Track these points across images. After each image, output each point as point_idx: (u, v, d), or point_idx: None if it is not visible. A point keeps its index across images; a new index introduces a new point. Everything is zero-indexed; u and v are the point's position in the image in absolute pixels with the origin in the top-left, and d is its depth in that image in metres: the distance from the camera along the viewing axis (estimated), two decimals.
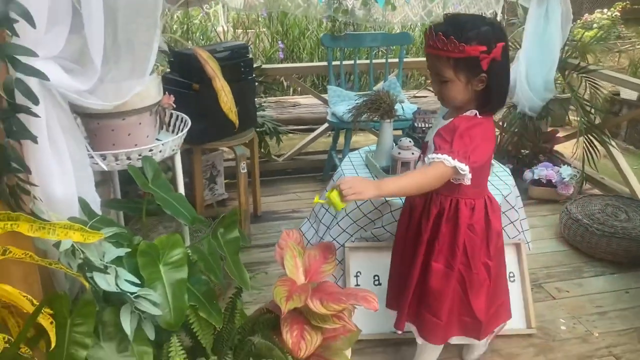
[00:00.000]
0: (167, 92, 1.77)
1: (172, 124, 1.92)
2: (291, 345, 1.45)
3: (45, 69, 1.13)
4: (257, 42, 5.46)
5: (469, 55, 1.46)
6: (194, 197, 2.98)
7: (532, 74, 3.50)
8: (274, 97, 4.50)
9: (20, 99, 1.09)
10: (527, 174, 3.45)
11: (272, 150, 3.68)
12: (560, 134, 3.76)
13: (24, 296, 1.21)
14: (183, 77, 2.68)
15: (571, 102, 3.44)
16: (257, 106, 3.42)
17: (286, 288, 1.49)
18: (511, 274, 2.37)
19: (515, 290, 2.34)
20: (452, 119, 1.61)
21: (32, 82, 1.11)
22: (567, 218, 2.93)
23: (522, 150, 3.60)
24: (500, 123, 3.83)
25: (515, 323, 2.28)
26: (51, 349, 1.24)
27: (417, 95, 4.36)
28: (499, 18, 6.88)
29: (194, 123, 2.53)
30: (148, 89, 1.57)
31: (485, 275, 1.74)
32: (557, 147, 3.83)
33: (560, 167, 3.42)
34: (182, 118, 1.90)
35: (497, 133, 3.85)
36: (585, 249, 2.84)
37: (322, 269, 1.61)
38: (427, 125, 2.55)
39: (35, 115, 1.11)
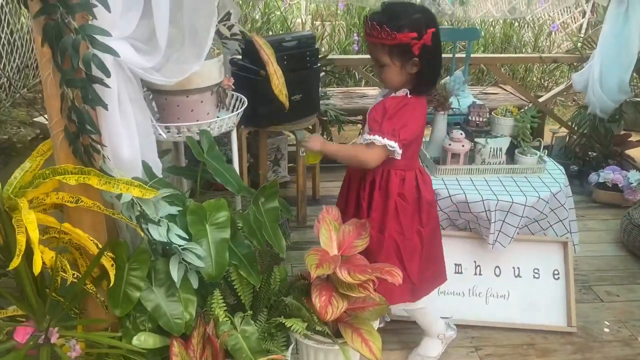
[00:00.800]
0: (227, 75, 1.96)
1: (231, 104, 2.10)
2: (319, 309, 1.59)
3: (118, 47, 1.33)
4: (334, 34, 5.61)
5: (400, 42, 1.61)
6: (258, 176, 3.18)
7: (606, 75, 3.40)
8: (343, 87, 4.63)
9: (96, 72, 1.30)
10: (593, 177, 3.36)
11: (336, 139, 3.81)
12: (634, 138, 3.61)
13: (92, 240, 1.43)
14: (252, 63, 2.86)
15: None
16: (322, 94, 3.57)
17: (318, 257, 1.63)
18: (556, 272, 2.37)
19: (558, 288, 2.35)
20: (383, 99, 1.79)
21: (107, 58, 1.31)
22: (628, 223, 2.85)
23: (590, 153, 3.50)
24: (570, 124, 3.74)
25: (555, 319, 2.30)
26: (110, 286, 1.46)
27: (486, 91, 4.33)
28: (587, 16, 6.64)
29: (260, 107, 2.74)
30: (210, 70, 1.76)
31: (418, 242, 1.85)
32: (629, 152, 3.69)
33: (629, 171, 3.30)
34: (240, 98, 2.08)
35: (564, 133, 3.76)
36: None
37: (354, 244, 1.73)
38: (482, 119, 2.59)
39: (107, 86, 1.31)
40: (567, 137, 3.71)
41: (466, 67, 3.58)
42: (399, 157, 1.74)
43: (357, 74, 5.07)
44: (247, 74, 2.74)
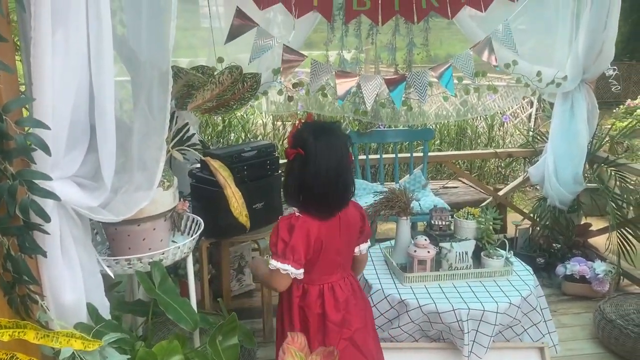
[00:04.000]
0: (182, 199, 1.90)
1: (187, 226, 2.03)
2: None
3: (61, 189, 1.27)
4: None
5: (287, 157, 1.74)
6: (221, 288, 3.05)
7: (560, 168, 3.50)
8: None
9: (35, 217, 1.22)
10: (560, 269, 3.35)
11: None
12: (596, 226, 3.66)
13: None
14: (211, 175, 2.83)
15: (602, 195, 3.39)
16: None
17: None
18: None
19: None
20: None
21: (47, 201, 1.24)
22: (601, 318, 2.80)
23: (554, 244, 3.52)
24: (532, 215, 3.78)
25: None
26: None
27: (447, 185, 4.39)
28: (535, 105, 6.98)
29: (220, 218, 2.67)
30: (163, 197, 1.70)
31: None
32: (592, 240, 3.72)
33: (594, 262, 3.31)
34: (196, 221, 2.01)
35: (527, 225, 3.79)
36: (621, 353, 2.68)
37: None
38: (444, 222, 2.58)
39: (46, 233, 1.23)
40: (530, 229, 3.74)
41: (424, 167, 3.64)
42: (300, 278, 1.73)
43: None
44: (207, 185, 2.69)
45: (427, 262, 2.37)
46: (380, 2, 3.04)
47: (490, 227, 2.44)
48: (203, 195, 2.71)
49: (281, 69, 3.00)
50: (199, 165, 3.02)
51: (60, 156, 1.28)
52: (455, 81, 3.21)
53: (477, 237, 2.49)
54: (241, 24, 2.90)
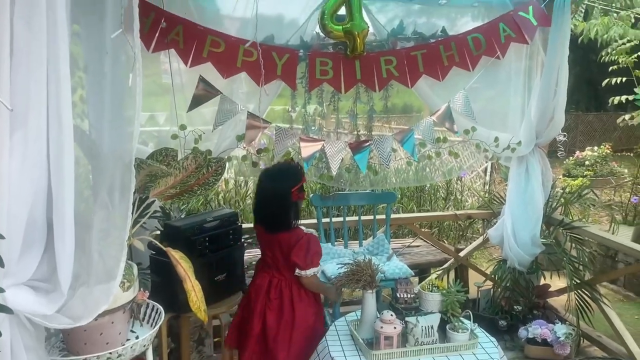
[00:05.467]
0: (141, 288, 1.83)
1: (147, 314, 1.95)
2: None
3: (13, 297, 1.19)
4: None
5: None
6: None
7: (518, 230, 3.58)
8: None
9: None
10: (522, 332, 3.38)
11: None
12: (554, 284, 3.73)
13: None
14: (171, 247, 2.75)
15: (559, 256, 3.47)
16: (248, 265, 3.47)
17: None
18: None
19: None
20: None
21: None
22: None
23: (515, 306, 3.56)
24: (493, 276, 3.83)
25: None
26: None
27: (410, 246, 4.42)
28: (487, 175, 7.19)
29: (180, 292, 2.58)
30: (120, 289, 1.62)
31: None
32: (552, 300, 3.78)
33: (554, 324, 3.35)
34: (157, 309, 1.94)
35: (489, 286, 3.83)
36: None
37: None
38: (410, 294, 2.57)
39: None
40: (492, 290, 3.77)
41: (387, 230, 3.65)
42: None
43: None
44: (167, 258, 2.61)
45: (394, 338, 2.34)
46: (342, 71, 3.10)
47: (455, 301, 2.44)
48: (163, 267, 2.63)
49: (245, 135, 3.01)
50: (159, 232, 2.95)
51: (13, 262, 1.21)
52: (418, 147, 3.28)
53: (442, 309, 2.49)
54: (204, 92, 2.90)
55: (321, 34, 3.08)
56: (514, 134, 3.46)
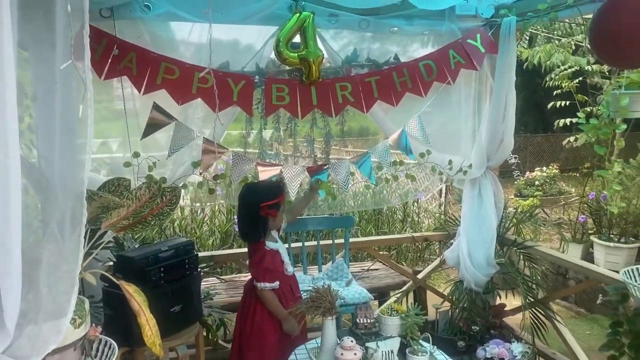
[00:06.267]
0: (94, 323, 1.76)
1: (99, 350, 1.87)
2: None
3: None
4: (214, 217, 5.60)
5: None
6: None
7: (473, 250, 3.65)
8: (229, 275, 4.49)
9: None
10: (480, 352, 3.41)
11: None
12: (510, 302, 3.81)
13: None
14: (125, 279, 2.67)
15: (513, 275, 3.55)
16: (206, 294, 3.40)
17: None
18: None
19: None
20: None
21: None
22: None
23: (473, 327, 3.61)
24: (451, 297, 3.87)
25: None
26: None
27: (369, 269, 4.43)
28: (442, 196, 7.35)
29: (134, 325, 2.49)
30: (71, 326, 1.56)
31: None
32: (508, 319, 3.86)
33: (511, 343, 3.41)
34: (110, 345, 1.87)
35: (447, 308, 3.88)
36: None
37: None
38: (369, 320, 2.57)
39: None
40: (450, 311, 3.82)
41: (346, 254, 3.67)
42: None
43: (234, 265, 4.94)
44: (119, 290, 2.53)
45: None
46: (299, 97, 3.13)
47: (414, 325, 2.46)
48: (116, 299, 2.54)
49: (201, 161, 2.98)
50: (112, 263, 2.85)
51: None
52: (375, 170, 3.32)
53: (402, 333, 2.50)
54: (158, 119, 2.86)
55: (277, 60, 3.11)
56: (466, 157, 3.55)
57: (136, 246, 3.07)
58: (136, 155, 2.85)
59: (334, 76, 3.24)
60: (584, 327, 4.48)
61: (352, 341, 2.35)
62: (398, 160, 3.42)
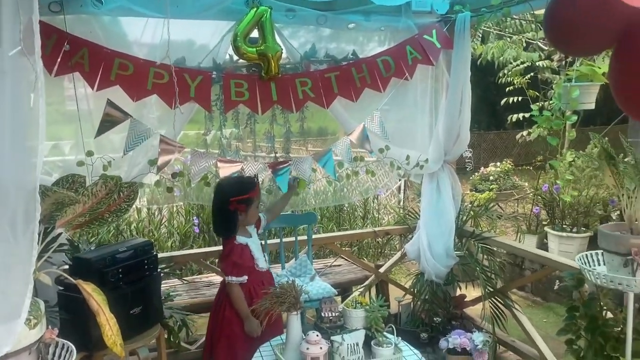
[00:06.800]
0: (49, 326, 1.69)
1: (55, 353, 1.80)
2: None
3: None
4: (172, 218, 5.49)
5: None
6: None
7: (433, 243, 3.71)
8: (190, 277, 4.41)
9: None
10: (443, 343, 3.47)
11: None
12: (470, 293, 3.89)
13: None
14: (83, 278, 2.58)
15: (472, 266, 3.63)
16: (166, 296, 3.33)
17: None
18: None
19: None
20: None
21: None
22: None
23: (435, 318, 3.66)
24: (412, 290, 3.92)
25: None
26: None
27: (333, 264, 4.44)
28: (401, 192, 7.44)
29: (92, 329, 2.41)
30: (27, 328, 1.49)
31: None
32: (469, 310, 3.94)
33: (472, 332, 3.48)
34: (67, 348, 1.80)
35: (409, 300, 3.92)
36: None
37: None
38: (334, 313, 2.57)
39: None
40: (412, 303, 3.87)
41: (309, 251, 3.66)
42: None
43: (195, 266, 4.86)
44: (76, 293, 2.44)
45: (320, 359, 2.32)
46: (258, 93, 3.09)
47: (379, 316, 2.47)
48: (73, 303, 2.45)
49: (158, 160, 2.91)
50: (67, 266, 2.75)
51: None
52: (336, 167, 3.33)
53: (367, 325, 2.51)
54: (113, 116, 2.78)
55: (234, 57, 3.07)
56: (423, 151, 3.61)
57: (92, 248, 2.97)
58: (90, 154, 2.76)
59: (293, 72, 3.22)
60: (540, 315, 4.62)
61: (317, 335, 2.35)
62: (359, 157, 3.44)
